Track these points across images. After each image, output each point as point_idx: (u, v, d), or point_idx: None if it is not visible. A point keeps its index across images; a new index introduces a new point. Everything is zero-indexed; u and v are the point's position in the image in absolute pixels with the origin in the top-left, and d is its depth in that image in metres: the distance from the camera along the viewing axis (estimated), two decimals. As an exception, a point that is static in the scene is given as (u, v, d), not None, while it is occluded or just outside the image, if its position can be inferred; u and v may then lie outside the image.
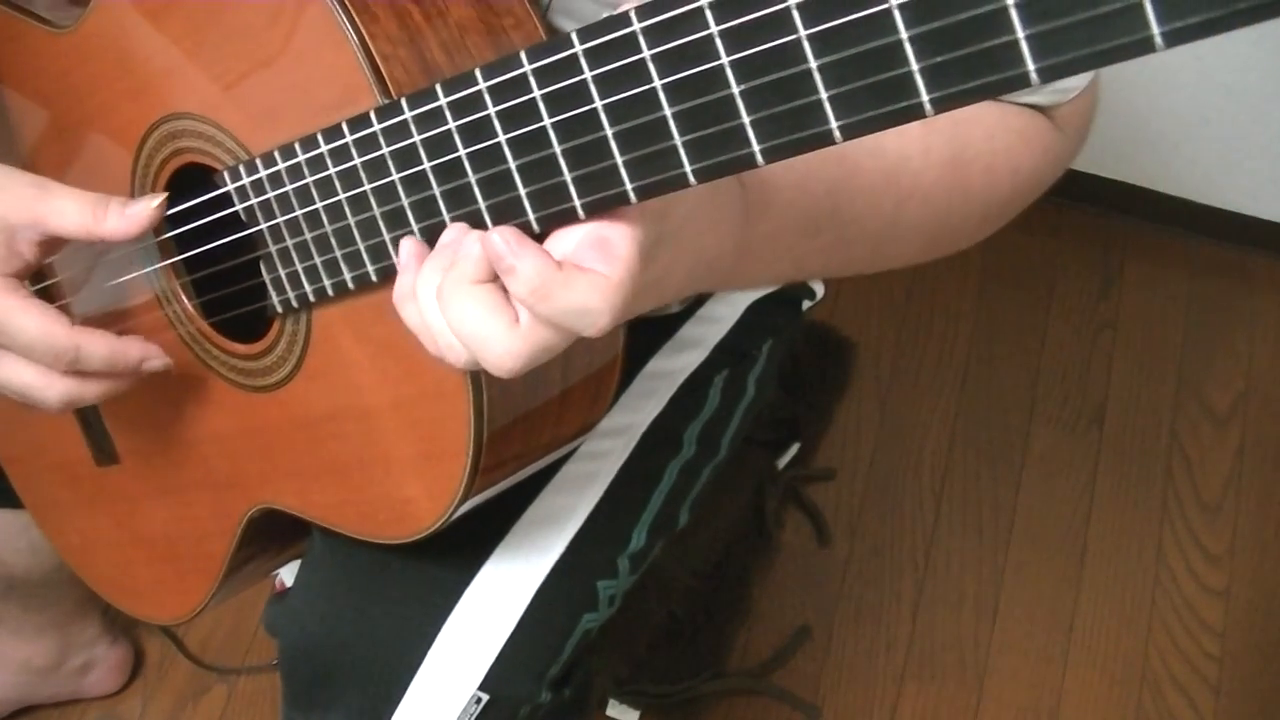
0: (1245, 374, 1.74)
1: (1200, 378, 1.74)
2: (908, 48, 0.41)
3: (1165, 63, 1.68)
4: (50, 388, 0.74)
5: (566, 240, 0.52)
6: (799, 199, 0.63)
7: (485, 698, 0.84)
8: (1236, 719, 1.47)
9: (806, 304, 1.07)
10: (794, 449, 1.64)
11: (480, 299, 0.52)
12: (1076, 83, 0.74)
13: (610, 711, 1.45)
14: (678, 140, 0.47)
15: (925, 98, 0.41)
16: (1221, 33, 0.37)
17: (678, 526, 0.98)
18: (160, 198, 0.72)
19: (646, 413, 0.94)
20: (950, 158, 0.71)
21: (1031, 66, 0.39)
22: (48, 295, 0.85)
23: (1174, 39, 0.38)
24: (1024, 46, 0.39)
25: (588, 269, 0.51)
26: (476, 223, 0.54)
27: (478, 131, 0.52)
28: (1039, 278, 1.83)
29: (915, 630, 1.54)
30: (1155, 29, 0.37)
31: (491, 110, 0.51)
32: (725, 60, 0.44)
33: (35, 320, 0.72)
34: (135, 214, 0.71)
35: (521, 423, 0.70)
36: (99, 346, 0.73)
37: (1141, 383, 1.74)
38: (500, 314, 0.52)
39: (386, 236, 0.60)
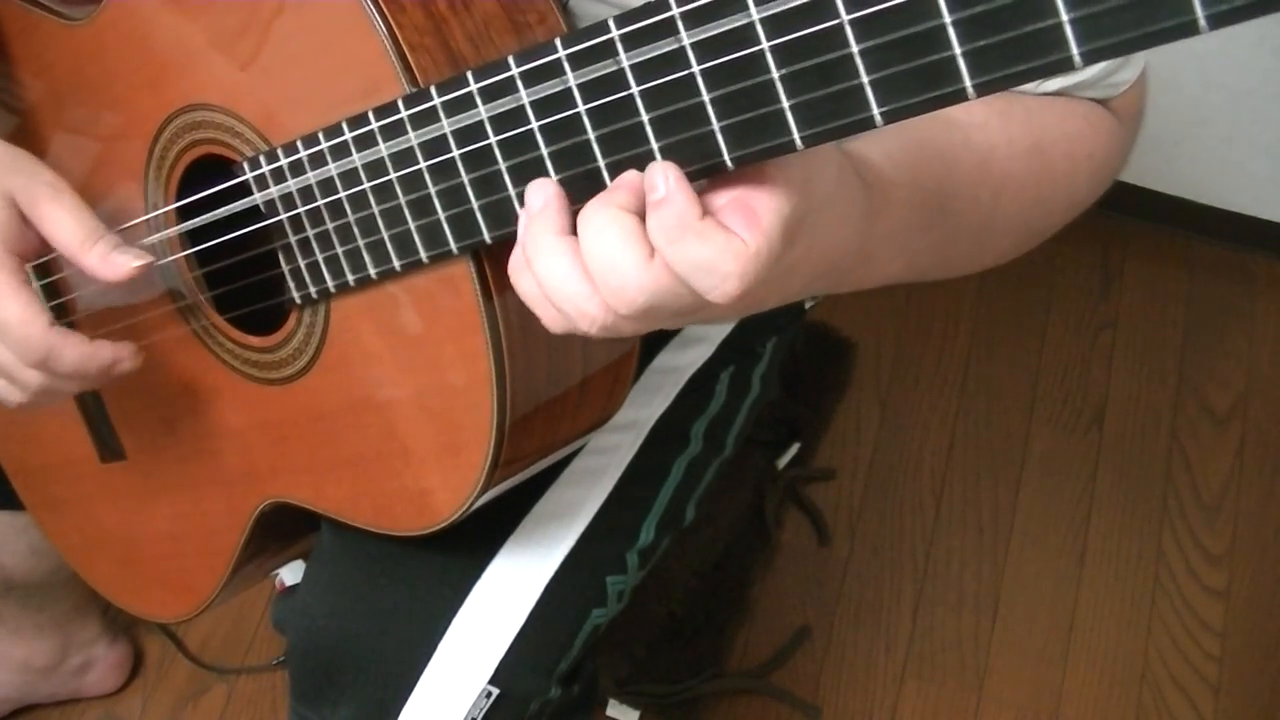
0: (1245, 374, 1.75)
1: (1200, 378, 1.74)
2: (950, 32, 0.41)
3: (1166, 63, 1.68)
4: (23, 372, 0.74)
5: (716, 198, 0.51)
6: (913, 195, 0.64)
7: (495, 692, 0.84)
8: (1236, 719, 1.48)
9: (809, 303, 1.07)
10: (794, 449, 1.64)
11: (622, 223, 0.50)
12: (1129, 75, 0.75)
13: (610, 711, 1.45)
14: (715, 126, 0.47)
15: (968, 82, 0.41)
16: (1268, 14, 0.37)
17: (685, 523, 0.98)
18: (146, 260, 0.72)
19: (654, 408, 0.94)
20: (1032, 145, 0.72)
21: (1075, 50, 0.40)
22: (54, 289, 0.84)
23: (1219, 21, 0.38)
24: (1068, 30, 0.39)
25: (728, 229, 0.49)
26: (505, 209, 0.54)
27: (510, 119, 0.52)
28: (1039, 277, 1.83)
29: (915, 630, 1.54)
30: (1199, 11, 0.37)
31: (524, 97, 0.51)
32: (766, 45, 0.44)
33: (19, 309, 0.72)
34: (115, 261, 0.71)
35: (542, 413, 0.69)
36: (70, 353, 0.73)
37: (1141, 383, 1.74)
38: (638, 243, 0.50)
39: (412, 226, 0.60)
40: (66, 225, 0.71)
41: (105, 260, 0.71)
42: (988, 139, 0.70)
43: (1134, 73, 0.76)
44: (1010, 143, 0.71)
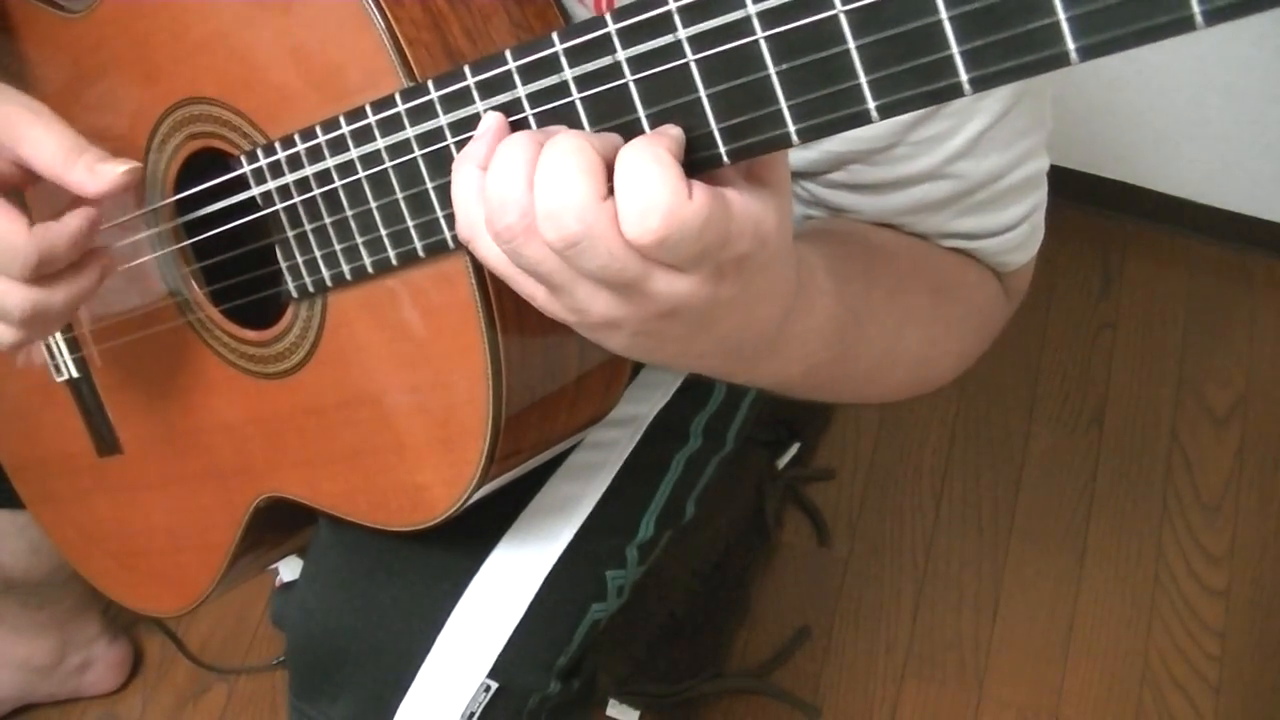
0: (1245, 374, 1.74)
1: (1200, 378, 1.74)
2: (948, 28, 0.41)
3: (1165, 63, 1.68)
4: (11, 294, 0.68)
5: None
6: (833, 306, 0.64)
7: (494, 686, 0.84)
8: (1236, 719, 1.47)
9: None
10: (794, 449, 1.64)
11: (586, 156, 0.48)
12: (1020, 258, 0.78)
13: (610, 711, 1.45)
14: (711, 120, 0.47)
15: (964, 78, 0.41)
16: (1263, 10, 0.37)
17: (685, 519, 0.98)
18: (133, 164, 0.67)
19: (653, 403, 0.94)
20: (935, 285, 0.74)
21: (1071, 46, 0.40)
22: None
23: (1214, 17, 0.38)
24: (1065, 27, 0.39)
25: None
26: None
27: (507, 112, 0.52)
28: (1038, 277, 1.81)
29: (915, 630, 1.54)
30: (1196, 7, 0.37)
31: (521, 91, 0.51)
32: (762, 39, 0.44)
33: None
34: (102, 171, 0.66)
35: (538, 408, 0.70)
36: (62, 237, 0.67)
37: (1141, 383, 1.74)
38: (594, 177, 0.48)
39: (410, 222, 0.60)
40: (47, 143, 0.67)
41: (92, 173, 0.66)
42: (900, 269, 0.72)
43: (1025, 258, 0.79)
44: (916, 277, 0.73)
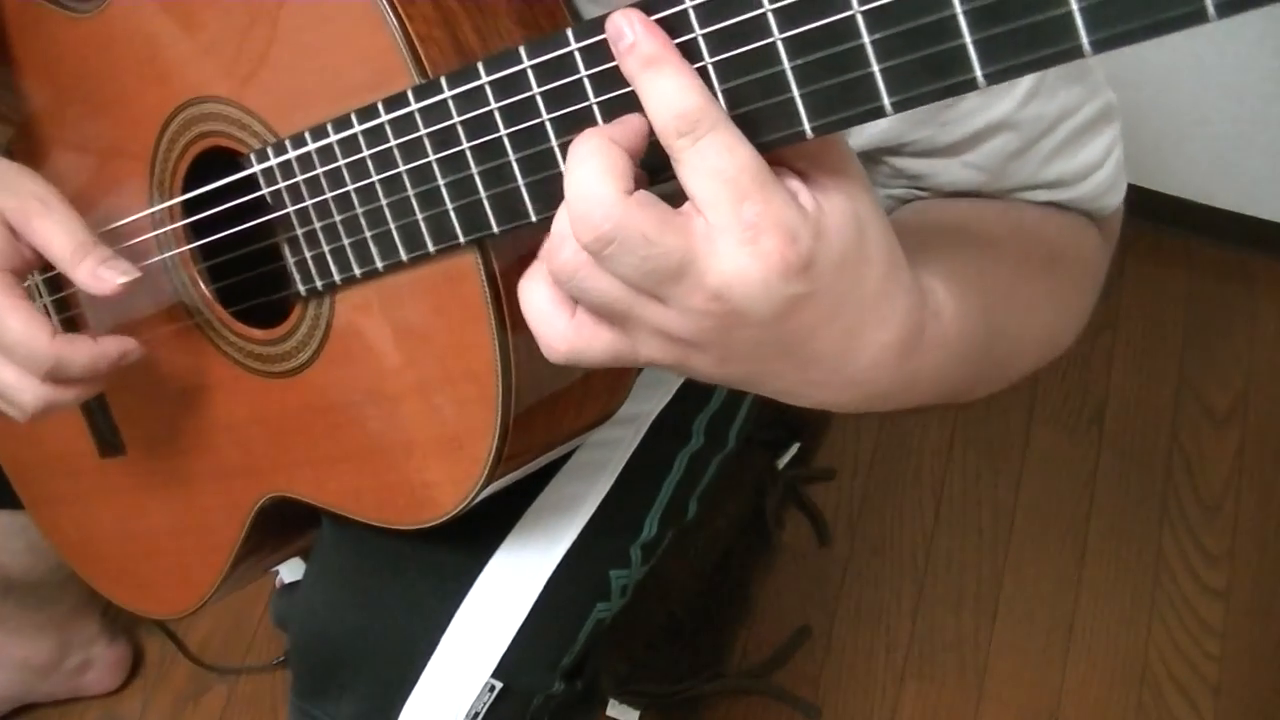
0: (1245, 374, 1.75)
1: (1200, 378, 1.74)
2: (961, 21, 0.41)
3: (1165, 63, 1.68)
4: (25, 390, 0.73)
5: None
6: (960, 322, 0.60)
7: (499, 685, 0.84)
8: (1236, 719, 1.48)
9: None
10: (794, 449, 1.64)
11: (607, 155, 0.48)
12: (1114, 200, 0.76)
13: (610, 711, 1.45)
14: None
15: (979, 72, 0.42)
16: (1276, 3, 0.37)
17: (687, 518, 0.98)
18: (134, 275, 0.71)
19: (655, 402, 0.94)
20: (1046, 259, 0.72)
21: (1085, 39, 0.40)
22: (55, 283, 0.85)
23: (1228, 9, 0.38)
24: (1078, 18, 0.40)
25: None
26: (514, 201, 0.54)
27: (521, 111, 0.52)
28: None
29: (915, 630, 1.54)
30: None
31: (536, 90, 0.51)
32: (778, 38, 0.44)
33: (21, 324, 0.71)
34: (103, 276, 0.71)
35: (546, 407, 0.70)
36: (79, 356, 0.73)
37: (1141, 383, 1.74)
38: (614, 175, 0.47)
39: (420, 217, 0.60)
40: (56, 239, 0.71)
41: (93, 276, 0.71)
42: (1011, 255, 0.69)
43: (1118, 199, 0.77)
44: (1029, 257, 0.71)
